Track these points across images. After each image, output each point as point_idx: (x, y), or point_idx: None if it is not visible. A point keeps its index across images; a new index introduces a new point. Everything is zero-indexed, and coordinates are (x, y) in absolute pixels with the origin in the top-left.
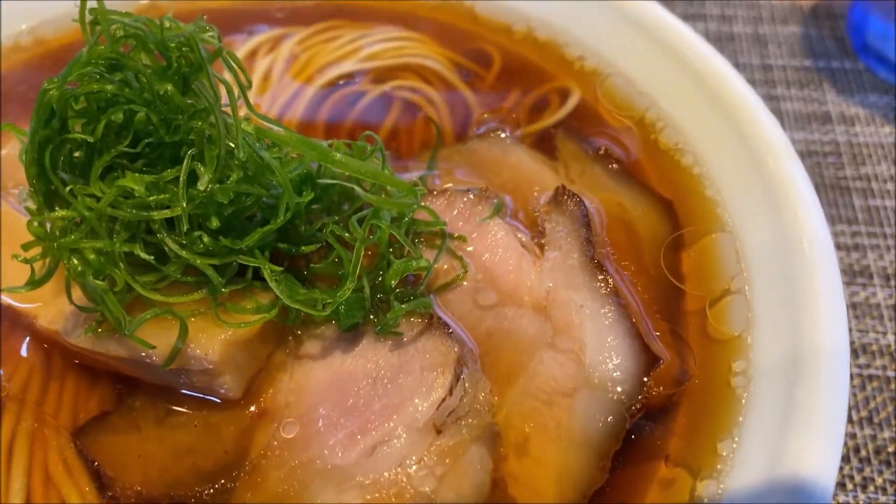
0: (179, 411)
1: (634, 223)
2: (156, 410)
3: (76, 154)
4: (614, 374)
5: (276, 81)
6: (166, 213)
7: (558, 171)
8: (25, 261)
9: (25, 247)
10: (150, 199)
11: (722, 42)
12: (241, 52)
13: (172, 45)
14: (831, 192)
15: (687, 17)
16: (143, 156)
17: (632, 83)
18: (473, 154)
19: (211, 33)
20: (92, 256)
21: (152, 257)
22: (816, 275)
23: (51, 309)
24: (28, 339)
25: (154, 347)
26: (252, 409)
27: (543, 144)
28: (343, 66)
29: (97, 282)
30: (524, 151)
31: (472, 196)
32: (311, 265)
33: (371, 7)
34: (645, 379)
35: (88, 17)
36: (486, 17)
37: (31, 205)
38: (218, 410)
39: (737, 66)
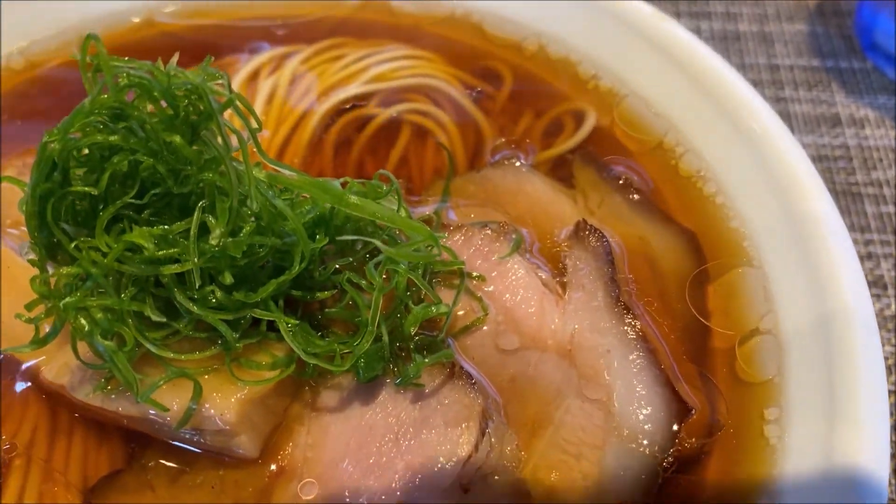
0: (195, 471)
1: (657, 257)
2: (169, 470)
3: (79, 203)
4: (645, 426)
5: (281, 105)
6: (177, 269)
7: (577, 200)
8: (29, 320)
9: (29, 306)
10: (160, 253)
11: (728, 41)
12: (242, 72)
13: (179, 92)
14: (843, 199)
15: (692, 15)
16: (150, 205)
17: (649, 105)
18: (488, 183)
19: (220, 80)
20: (99, 315)
21: (163, 318)
22: (851, 322)
23: (56, 361)
24: (32, 391)
25: (168, 410)
26: (271, 467)
27: (559, 171)
28: (349, 88)
29: (106, 342)
30: (540, 180)
31: (490, 232)
32: (326, 310)
33: (375, 22)
34: (676, 430)
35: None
36: (495, 33)
37: (33, 256)
38: (234, 469)
39: (743, 66)
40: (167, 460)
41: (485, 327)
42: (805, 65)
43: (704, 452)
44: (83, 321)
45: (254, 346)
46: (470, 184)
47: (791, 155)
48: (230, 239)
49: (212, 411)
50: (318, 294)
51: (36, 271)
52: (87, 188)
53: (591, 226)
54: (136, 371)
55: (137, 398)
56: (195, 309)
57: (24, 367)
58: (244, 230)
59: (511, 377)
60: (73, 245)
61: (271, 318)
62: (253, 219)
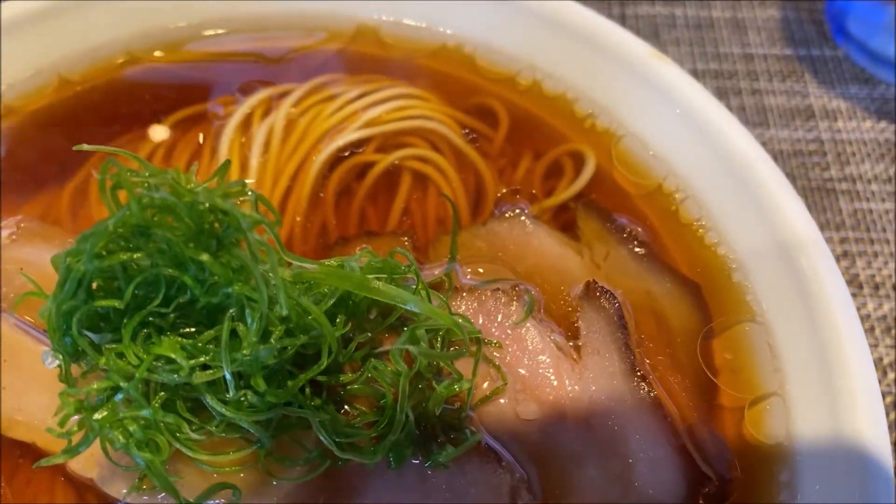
0: None
1: (665, 313)
2: None
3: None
4: (664, 497)
5: (277, 154)
6: (208, 376)
7: (583, 254)
8: (62, 435)
9: (62, 422)
10: (191, 362)
11: (702, 29)
12: (235, 118)
13: (204, 208)
14: (818, 196)
15: (666, 2)
16: (176, 309)
17: (647, 146)
18: (495, 237)
19: (248, 195)
20: (133, 426)
21: (198, 427)
22: (855, 383)
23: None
24: (58, 478)
25: None
26: None
27: (562, 217)
28: (346, 135)
29: (143, 454)
30: (546, 234)
31: (503, 296)
32: (348, 387)
33: (366, 55)
34: (694, 500)
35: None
36: (488, 67)
37: (58, 364)
38: None
39: (718, 56)
40: None
41: (504, 397)
42: (778, 54)
43: None
44: (118, 434)
45: (284, 439)
46: (477, 238)
47: (792, 210)
48: (262, 346)
49: None
50: (342, 377)
51: None
52: (112, 302)
53: (601, 287)
54: (170, 470)
55: None
56: (228, 412)
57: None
58: (274, 335)
59: (533, 447)
60: (100, 356)
61: (303, 415)
62: (281, 321)
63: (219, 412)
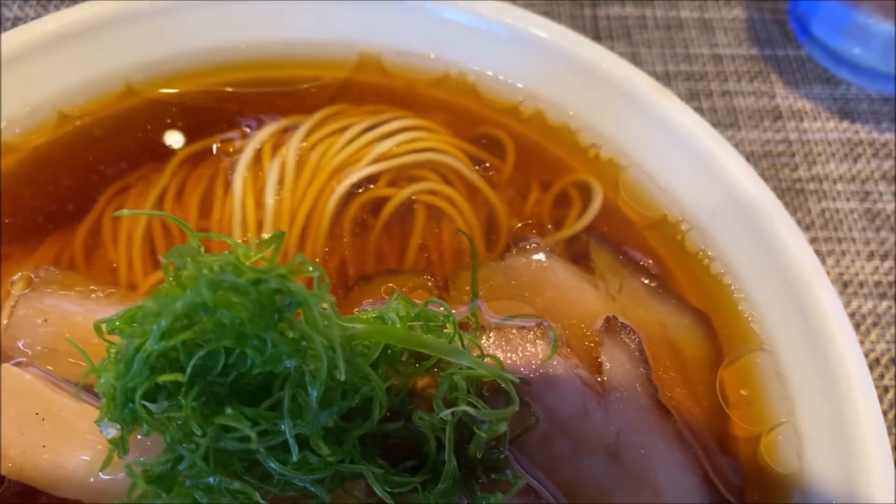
0: None
1: (678, 343)
2: None
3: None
4: None
5: (291, 192)
6: (270, 442)
7: (598, 286)
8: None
9: (129, 492)
10: (255, 430)
11: (672, 30)
12: (246, 154)
13: (272, 288)
14: (790, 197)
15: (636, 3)
16: (235, 378)
17: (650, 177)
18: (513, 272)
19: (312, 269)
20: (199, 493)
21: (257, 482)
22: (860, 411)
23: None
24: None
25: None
26: None
27: (573, 247)
28: (358, 170)
29: None
30: (562, 267)
31: (529, 334)
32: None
33: (370, 84)
34: None
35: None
36: (491, 96)
37: (116, 435)
38: None
39: (689, 57)
40: None
41: (536, 434)
42: (745, 54)
43: None
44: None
45: (339, 492)
46: (495, 274)
47: (792, 241)
48: (322, 411)
49: None
50: (388, 426)
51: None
52: (175, 376)
53: (621, 322)
54: None
55: None
56: (289, 473)
57: None
58: (333, 400)
59: (565, 481)
60: (164, 428)
61: (359, 471)
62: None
63: (279, 473)
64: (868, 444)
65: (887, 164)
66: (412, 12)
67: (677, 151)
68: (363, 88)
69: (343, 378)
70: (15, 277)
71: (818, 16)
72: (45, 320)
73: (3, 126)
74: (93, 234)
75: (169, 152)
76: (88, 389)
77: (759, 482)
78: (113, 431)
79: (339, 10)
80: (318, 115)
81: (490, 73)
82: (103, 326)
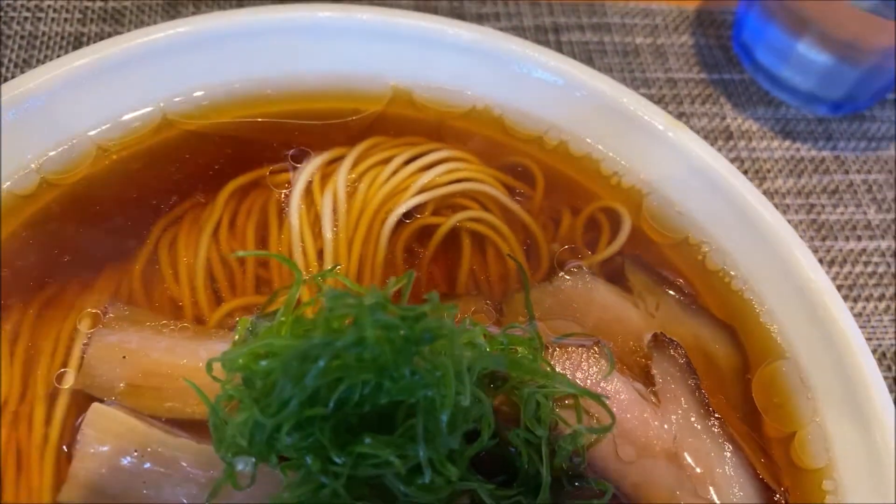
0: None
1: (713, 355)
2: None
3: None
4: None
5: (344, 222)
6: (399, 467)
7: (638, 305)
8: None
9: None
10: (388, 456)
11: (629, 55)
12: (298, 189)
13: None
14: None
15: (593, 28)
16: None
17: (671, 203)
18: (561, 294)
19: (451, 307)
20: None
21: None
22: (875, 404)
23: None
24: None
25: None
26: None
27: (609, 269)
28: (405, 200)
29: None
30: (605, 288)
31: (586, 351)
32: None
33: (402, 117)
34: None
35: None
36: (516, 128)
37: (248, 469)
38: None
39: (647, 81)
40: None
41: (606, 443)
42: (696, 78)
43: None
44: None
45: None
46: (546, 296)
47: (803, 258)
48: (450, 435)
49: None
50: (487, 444)
51: None
52: (319, 410)
53: (668, 338)
54: None
55: None
56: (417, 495)
57: None
58: (458, 423)
59: (634, 484)
60: (312, 461)
61: (472, 487)
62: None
63: (406, 494)
64: (888, 433)
65: (826, 179)
66: (439, 48)
67: (694, 179)
68: (397, 121)
69: (467, 404)
70: (82, 314)
71: (762, 44)
72: (125, 357)
73: (41, 163)
74: (149, 268)
75: (213, 184)
76: (174, 424)
77: (794, 479)
78: (247, 466)
79: (370, 44)
80: (359, 148)
81: (513, 106)
82: (216, 365)
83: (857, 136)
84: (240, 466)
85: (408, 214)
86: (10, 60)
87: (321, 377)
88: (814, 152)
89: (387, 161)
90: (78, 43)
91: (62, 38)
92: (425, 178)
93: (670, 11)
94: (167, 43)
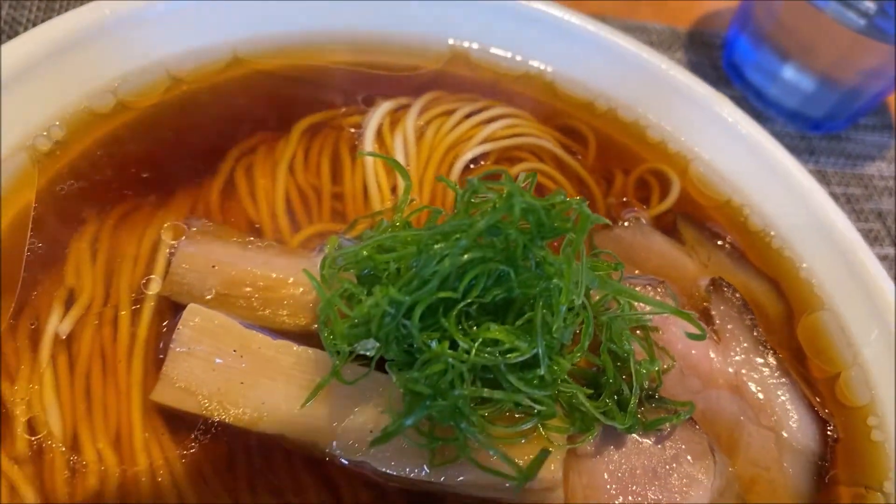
0: None
1: (762, 303)
2: None
3: None
4: (808, 441)
5: (414, 164)
6: (516, 357)
7: (691, 256)
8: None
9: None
10: (508, 345)
11: None
12: (371, 128)
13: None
14: None
15: None
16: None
17: (713, 170)
18: (622, 241)
19: (577, 202)
20: (461, 403)
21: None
22: None
23: (342, 438)
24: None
25: (531, 476)
26: None
27: (662, 223)
28: (470, 148)
29: (474, 428)
30: (662, 238)
31: (652, 290)
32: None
33: (458, 76)
34: (828, 439)
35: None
36: (567, 93)
37: (373, 351)
38: None
39: None
40: None
41: (673, 374)
42: None
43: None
44: (448, 411)
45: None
46: (608, 243)
47: (837, 217)
48: (565, 329)
49: (543, 473)
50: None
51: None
52: (451, 293)
53: (725, 281)
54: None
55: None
56: (524, 388)
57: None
58: (569, 320)
59: (702, 412)
60: (436, 343)
61: (573, 391)
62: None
63: (517, 389)
64: None
65: None
66: (499, 13)
67: (735, 146)
68: (455, 79)
69: (580, 301)
70: (165, 227)
71: (751, 65)
72: (214, 267)
73: (117, 85)
74: (226, 190)
75: (285, 120)
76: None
77: (840, 415)
78: (373, 348)
79: (433, 5)
80: (423, 99)
81: (565, 74)
82: (317, 261)
83: (835, 154)
84: (365, 349)
85: (474, 162)
86: None
87: (460, 256)
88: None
89: (449, 113)
90: None
91: None
92: (487, 129)
93: (664, 31)
94: None
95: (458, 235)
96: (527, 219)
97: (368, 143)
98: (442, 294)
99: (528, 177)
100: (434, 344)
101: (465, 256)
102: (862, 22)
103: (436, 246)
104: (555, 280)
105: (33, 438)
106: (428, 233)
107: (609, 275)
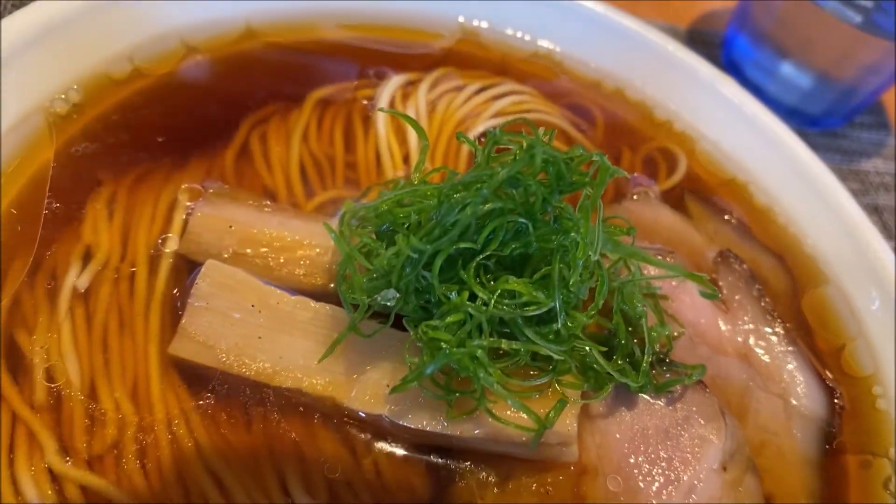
0: (516, 479)
1: (767, 277)
2: (494, 480)
3: None
4: (816, 407)
5: (426, 133)
6: (534, 310)
7: (699, 230)
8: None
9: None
10: (527, 297)
11: None
12: (384, 100)
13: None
14: None
15: None
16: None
17: (718, 149)
18: (632, 214)
19: (596, 156)
20: (479, 353)
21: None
22: None
23: (359, 392)
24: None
25: (544, 428)
26: (572, 467)
27: (670, 198)
28: (482, 121)
29: (491, 378)
30: (670, 213)
31: (665, 259)
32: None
33: (470, 55)
34: (835, 405)
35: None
36: (576, 73)
37: (394, 301)
38: (547, 472)
39: None
40: (487, 472)
41: (683, 341)
42: None
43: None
44: (466, 361)
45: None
46: (617, 214)
47: (842, 196)
48: (581, 283)
49: (558, 427)
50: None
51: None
52: (470, 244)
53: (733, 253)
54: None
55: (541, 429)
56: (540, 341)
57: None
58: (584, 276)
59: (711, 379)
60: (455, 294)
61: (589, 346)
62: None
63: (534, 342)
64: None
65: None
66: None
67: (739, 126)
68: (465, 57)
69: (596, 258)
70: (182, 188)
71: (750, 63)
72: (231, 227)
73: (133, 52)
74: (241, 157)
75: (298, 91)
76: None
77: (846, 385)
78: (393, 298)
79: None
80: (434, 74)
81: (573, 54)
82: (333, 223)
83: (832, 150)
84: (386, 299)
85: (482, 136)
86: None
87: (482, 205)
88: None
89: (460, 88)
90: None
91: None
92: (497, 105)
93: (664, 29)
94: None
95: (479, 185)
96: (547, 170)
97: (381, 114)
98: (462, 244)
99: (547, 133)
100: (454, 295)
101: (486, 206)
102: (860, 18)
103: (457, 195)
104: (572, 234)
105: (52, 386)
106: (449, 185)
107: (621, 239)
